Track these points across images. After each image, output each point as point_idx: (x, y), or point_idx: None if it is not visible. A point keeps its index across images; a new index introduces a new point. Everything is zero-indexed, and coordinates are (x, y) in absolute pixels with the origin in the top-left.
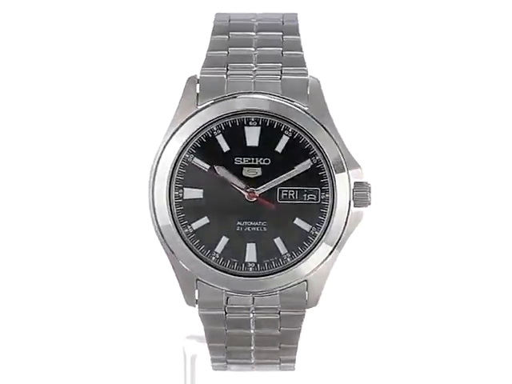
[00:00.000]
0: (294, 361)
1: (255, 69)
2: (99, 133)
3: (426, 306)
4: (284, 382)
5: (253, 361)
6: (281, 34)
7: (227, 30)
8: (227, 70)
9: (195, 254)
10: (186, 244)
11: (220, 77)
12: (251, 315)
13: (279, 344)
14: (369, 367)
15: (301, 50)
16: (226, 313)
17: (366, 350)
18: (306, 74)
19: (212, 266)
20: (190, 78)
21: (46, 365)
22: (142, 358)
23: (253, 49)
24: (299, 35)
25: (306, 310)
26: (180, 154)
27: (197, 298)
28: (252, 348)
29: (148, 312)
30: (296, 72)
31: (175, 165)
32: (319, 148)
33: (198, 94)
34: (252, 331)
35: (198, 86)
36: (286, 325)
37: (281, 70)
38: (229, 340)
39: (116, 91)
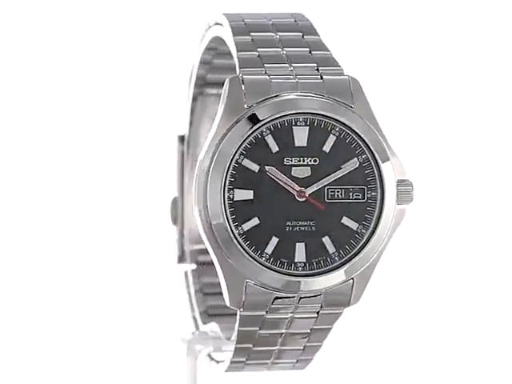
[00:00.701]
0: (310, 360)
1: (292, 69)
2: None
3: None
4: (284, 382)
5: (270, 361)
6: (300, 34)
7: (247, 31)
8: (265, 71)
9: (248, 255)
10: (240, 245)
11: (264, 77)
12: (289, 315)
13: (305, 343)
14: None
15: (328, 50)
16: (266, 313)
17: (388, 351)
18: (343, 74)
19: (265, 267)
20: (232, 79)
21: (46, 362)
22: (142, 358)
23: (279, 49)
24: (319, 35)
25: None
26: (233, 156)
27: (243, 299)
28: (276, 348)
29: (147, 313)
30: (333, 72)
31: (229, 167)
32: (367, 146)
33: (244, 95)
34: (283, 330)
35: (243, 86)
36: (321, 323)
37: (317, 70)
38: (258, 340)
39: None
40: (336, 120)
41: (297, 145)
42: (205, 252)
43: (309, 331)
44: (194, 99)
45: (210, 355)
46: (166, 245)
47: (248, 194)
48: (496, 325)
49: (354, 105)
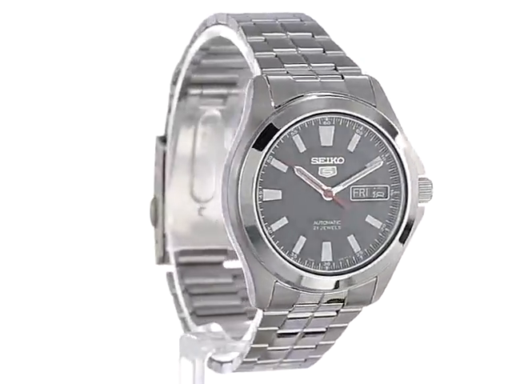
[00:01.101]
0: (318, 359)
1: (311, 69)
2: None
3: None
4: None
5: (279, 360)
6: (310, 34)
7: (259, 31)
8: (287, 71)
9: (279, 255)
10: (272, 245)
11: (288, 77)
12: (310, 314)
13: (319, 341)
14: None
15: (340, 49)
16: (289, 312)
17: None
18: (361, 73)
19: (295, 266)
20: (257, 79)
21: (29, 365)
22: (125, 360)
23: (294, 49)
24: (328, 34)
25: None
26: (264, 156)
27: (270, 299)
28: (290, 347)
29: (129, 314)
30: (352, 71)
31: (260, 167)
32: (391, 145)
33: (271, 95)
34: (300, 329)
35: (269, 86)
36: (339, 321)
37: (336, 69)
38: (275, 340)
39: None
40: (361, 119)
41: (323, 144)
42: (189, 253)
43: (324, 330)
44: (179, 99)
45: (210, 357)
46: (143, 246)
47: (277, 194)
48: (505, 325)
49: (377, 104)
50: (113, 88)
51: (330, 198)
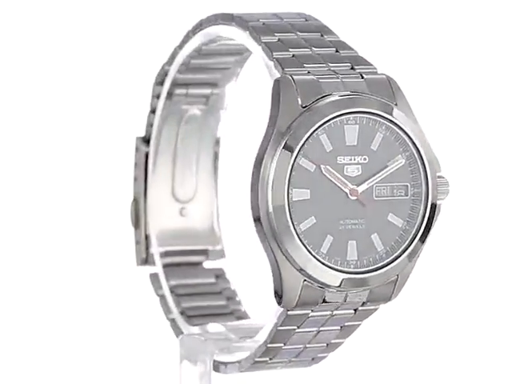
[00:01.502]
0: (323, 358)
1: (329, 69)
2: None
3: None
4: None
5: (289, 359)
6: (319, 33)
7: (270, 31)
8: (308, 70)
9: (310, 254)
10: (303, 244)
11: (311, 77)
12: (330, 312)
13: (331, 340)
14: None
15: (352, 49)
16: (312, 311)
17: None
18: (378, 72)
19: (324, 265)
20: (282, 79)
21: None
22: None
23: (309, 49)
24: (337, 34)
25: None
26: (296, 156)
27: (298, 298)
28: (302, 346)
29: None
30: (370, 71)
31: (292, 167)
32: (413, 143)
33: (298, 95)
34: (317, 328)
35: (295, 86)
36: (355, 320)
37: (353, 69)
38: (292, 339)
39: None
40: (384, 118)
41: (348, 144)
42: (173, 253)
43: (339, 328)
44: (166, 99)
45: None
46: (120, 248)
47: (305, 194)
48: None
49: (397, 102)
50: (86, 90)
51: (355, 197)
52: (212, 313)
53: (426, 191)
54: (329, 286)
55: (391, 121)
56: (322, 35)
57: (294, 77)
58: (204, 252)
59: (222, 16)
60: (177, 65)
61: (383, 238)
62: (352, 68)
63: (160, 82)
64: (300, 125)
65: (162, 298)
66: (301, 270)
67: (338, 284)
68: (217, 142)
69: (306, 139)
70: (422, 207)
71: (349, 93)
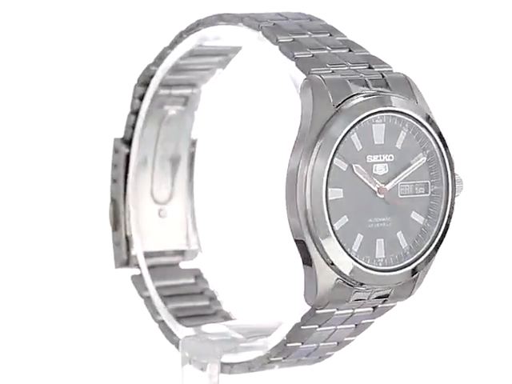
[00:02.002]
0: (330, 356)
1: (349, 68)
2: None
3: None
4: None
5: (301, 357)
6: (328, 33)
7: (284, 31)
8: (332, 70)
9: (345, 252)
10: (339, 242)
11: (339, 77)
12: (351, 310)
13: (343, 338)
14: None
15: (362, 48)
16: (337, 309)
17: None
18: (393, 71)
19: (358, 263)
20: (313, 79)
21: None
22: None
23: (325, 50)
24: (344, 34)
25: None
26: (332, 156)
27: (329, 297)
28: (315, 345)
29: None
30: (386, 70)
31: (330, 167)
32: (435, 141)
33: (329, 95)
34: (335, 327)
35: (325, 86)
36: (371, 317)
37: (371, 68)
38: (309, 338)
39: None
40: (408, 116)
41: (376, 142)
42: (158, 254)
43: (354, 326)
44: (152, 100)
45: None
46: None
47: (339, 193)
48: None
49: (417, 100)
50: (56, 93)
51: (383, 195)
52: (198, 314)
53: (447, 188)
54: (361, 284)
55: (415, 119)
56: (330, 35)
57: (323, 76)
58: (181, 253)
59: (226, 16)
60: (166, 66)
61: (407, 236)
62: (370, 67)
63: (144, 82)
64: (335, 125)
65: (148, 299)
66: (335, 269)
67: (369, 282)
68: (193, 143)
69: (341, 140)
70: (443, 204)
71: (374, 92)
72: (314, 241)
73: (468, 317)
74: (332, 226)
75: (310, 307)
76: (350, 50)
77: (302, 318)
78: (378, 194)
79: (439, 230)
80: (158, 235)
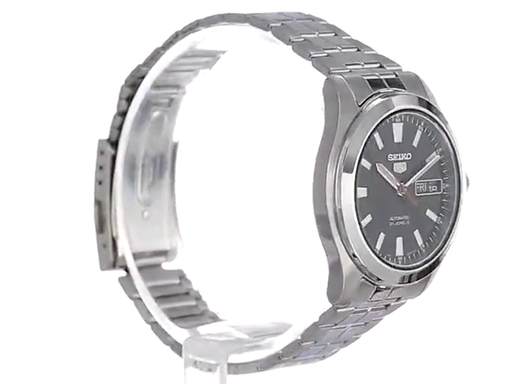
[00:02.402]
0: (332, 355)
1: (366, 67)
2: None
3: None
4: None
5: (310, 356)
6: (333, 33)
7: (294, 31)
8: (350, 70)
9: (371, 250)
10: (366, 241)
11: (359, 76)
12: (367, 309)
13: (351, 336)
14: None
15: (369, 47)
16: (355, 308)
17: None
18: (402, 70)
19: (382, 261)
20: (336, 79)
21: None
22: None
23: (337, 49)
24: (347, 33)
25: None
26: (360, 155)
27: (354, 296)
28: (326, 344)
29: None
30: (397, 68)
31: (358, 166)
32: (448, 138)
33: (353, 94)
34: (347, 325)
35: (349, 86)
36: (381, 315)
37: (382, 67)
38: (324, 337)
39: None
40: (425, 114)
41: (395, 141)
42: (147, 255)
43: (364, 324)
44: (142, 101)
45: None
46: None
47: (364, 192)
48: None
49: (429, 98)
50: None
51: (403, 194)
52: (188, 314)
53: (458, 186)
54: (384, 283)
55: (431, 117)
56: (336, 34)
57: (345, 76)
58: (164, 253)
59: (230, 16)
60: (160, 67)
61: (423, 234)
62: (381, 66)
63: (132, 84)
64: (360, 125)
65: (138, 301)
66: (361, 267)
67: (391, 280)
68: (175, 144)
69: (369, 137)
70: (455, 202)
71: (392, 91)
72: (343, 240)
73: (468, 316)
74: (360, 224)
75: (329, 306)
76: (358, 50)
77: (321, 317)
78: (398, 193)
79: (452, 228)
80: (143, 236)
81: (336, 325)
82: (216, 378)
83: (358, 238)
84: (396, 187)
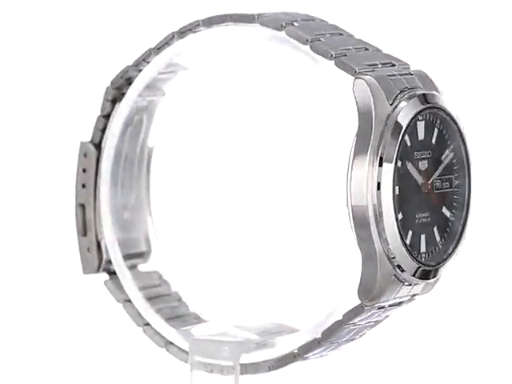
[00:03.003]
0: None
1: (383, 67)
2: None
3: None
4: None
5: (320, 354)
6: (337, 33)
7: (309, 31)
8: (373, 69)
9: (405, 247)
10: (401, 238)
11: (385, 75)
12: (386, 305)
13: (361, 332)
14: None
15: (375, 46)
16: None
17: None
18: (412, 68)
19: (413, 258)
20: (368, 79)
21: None
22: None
23: (351, 49)
24: (351, 33)
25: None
26: (397, 155)
27: (384, 293)
28: (339, 341)
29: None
30: (407, 67)
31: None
32: (460, 135)
33: (385, 95)
34: (363, 323)
35: (379, 86)
36: (391, 313)
37: (394, 65)
38: (340, 334)
39: None
40: (443, 111)
41: (419, 139)
42: (130, 257)
43: (374, 322)
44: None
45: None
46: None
47: (397, 189)
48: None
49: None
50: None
51: (427, 191)
52: (175, 315)
53: (469, 182)
54: (413, 280)
55: (448, 114)
56: (340, 34)
57: (373, 75)
58: (141, 255)
59: (236, 16)
60: (156, 68)
61: (440, 231)
62: (393, 65)
63: (119, 86)
64: (395, 124)
65: (127, 303)
66: (395, 263)
67: (417, 277)
68: (151, 148)
69: (403, 136)
70: (466, 198)
71: (413, 89)
72: (381, 238)
73: (467, 316)
74: (397, 221)
75: (355, 304)
76: (366, 49)
77: (345, 315)
78: (422, 190)
79: (464, 224)
80: (126, 238)
81: (355, 323)
82: (230, 379)
83: (396, 237)
84: (421, 184)
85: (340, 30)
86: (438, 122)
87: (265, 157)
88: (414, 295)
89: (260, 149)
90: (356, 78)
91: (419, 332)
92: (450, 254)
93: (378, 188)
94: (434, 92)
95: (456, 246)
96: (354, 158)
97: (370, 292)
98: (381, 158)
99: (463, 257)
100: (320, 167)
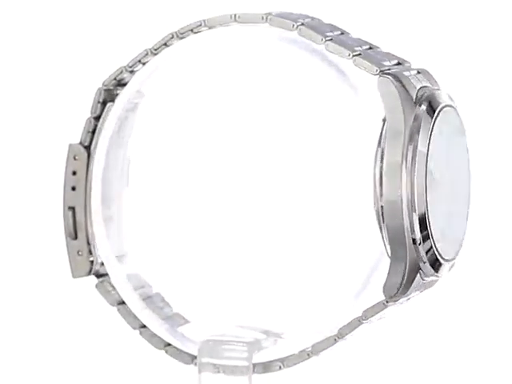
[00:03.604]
0: None
1: (395, 66)
2: None
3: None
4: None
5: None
6: (339, 32)
7: (320, 31)
8: (389, 68)
9: (432, 242)
10: (430, 231)
11: (403, 73)
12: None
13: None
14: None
15: (375, 45)
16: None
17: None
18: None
19: (438, 254)
20: (393, 77)
21: None
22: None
23: (361, 48)
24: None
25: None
26: (427, 151)
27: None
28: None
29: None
30: (410, 65)
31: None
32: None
33: (408, 92)
34: (375, 319)
35: (403, 83)
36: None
37: (400, 64)
38: (358, 330)
39: None
40: (453, 108)
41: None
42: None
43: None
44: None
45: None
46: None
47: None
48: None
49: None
50: None
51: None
52: (166, 316)
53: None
54: (432, 276)
55: (455, 109)
56: (342, 33)
57: (393, 72)
58: (121, 258)
59: (243, 16)
60: (152, 70)
61: (451, 225)
62: (399, 63)
63: (111, 87)
64: (422, 123)
65: (121, 305)
66: (422, 258)
67: (432, 273)
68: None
69: (431, 132)
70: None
71: (427, 87)
72: (412, 225)
73: (467, 316)
74: (428, 214)
75: (377, 302)
76: (370, 48)
77: (365, 312)
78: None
79: (467, 218)
80: (113, 241)
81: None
82: (242, 380)
83: (426, 234)
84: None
85: (340, 30)
86: (450, 117)
87: (276, 160)
88: (423, 290)
89: (271, 152)
90: (380, 76)
91: (419, 332)
92: (459, 248)
93: (411, 183)
94: (442, 90)
95: (460, 240)
96: (387, 152)
97: (397, 287)
98: (414, 157)
99: (463, 257)
100: (338, 169)
